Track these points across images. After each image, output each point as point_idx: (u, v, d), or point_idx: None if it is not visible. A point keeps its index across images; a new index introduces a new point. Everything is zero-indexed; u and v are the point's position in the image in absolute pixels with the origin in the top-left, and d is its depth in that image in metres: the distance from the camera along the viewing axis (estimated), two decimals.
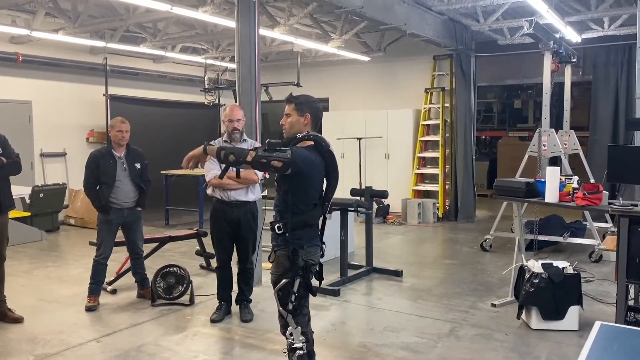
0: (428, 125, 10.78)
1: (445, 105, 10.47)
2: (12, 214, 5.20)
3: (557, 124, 8.21)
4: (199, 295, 5.43)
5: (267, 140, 2.82)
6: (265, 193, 5.68)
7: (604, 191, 4.48)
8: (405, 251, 8.01)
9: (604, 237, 7.36)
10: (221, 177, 3.17)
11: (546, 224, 7.33)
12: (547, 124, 7.27)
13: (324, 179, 3.04)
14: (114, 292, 5.62)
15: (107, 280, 5.49)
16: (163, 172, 9.47)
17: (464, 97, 9.93)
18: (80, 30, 8.39)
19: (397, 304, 5.31)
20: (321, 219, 3.09)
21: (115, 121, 5.17)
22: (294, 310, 2.93)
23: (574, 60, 8.07)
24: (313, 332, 3.12)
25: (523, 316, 4.67)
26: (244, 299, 4.93)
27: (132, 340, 4.39)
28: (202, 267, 6.62)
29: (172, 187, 9.68)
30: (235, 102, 6.00)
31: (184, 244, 7.28)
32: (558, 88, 8.11)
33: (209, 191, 4.77)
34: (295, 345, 2.92)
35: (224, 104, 10.93)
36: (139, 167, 5.23)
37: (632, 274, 4.05)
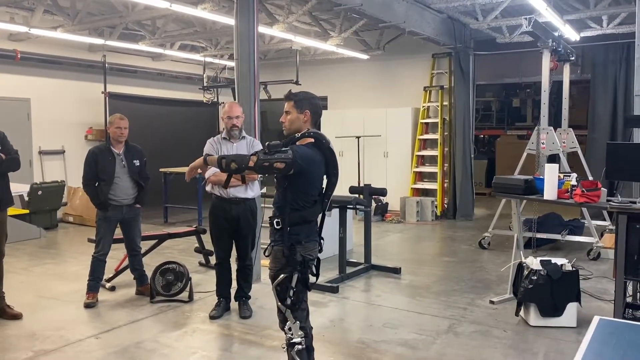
0: (427, 123, 10.78)
1: (444, 103, 10.48)
2: (10, 211, 5.20)
3: (555, 123, 8.21)
4: (198, 292, 5.44)
5: (266, 143, 2.82)
6: (264, 191, 5.69)
7: (602, 188, 4.49)
8: (403, 249, 8.02)
9: (602, 235, 7.38)
10: (225, 186, 3.18)
11: (544, 222, 7.35)
12: (545, 122, 7.29)
13: (324, 176, 3.04)
14: (112, 289, 5.62)
15: (105, 277, 5.49)
16: (162, 169, 9.46)
17: (462, 96, 9.94)
18: (78, 28, 8.38)
19: (395, 301, 5.32)
20: (320, 215, 3.09)
21: (114, 118, 5.17)
22: (293, 305, 2.93)
23: (573, 58, 8.07)
24: (312, 327, 3.13)
25: (521, 313, 4.68)
26: (243, 296, 4.93)
27: (131, 337, 4.39)
28: (201, 264, 6.62)
29: (171, 185, 9.68)
30: (234, 99, 6.01)
31: (183, 241, 7.29)
32: (556, 86, 8.11)
33: (208, 188, 4.77)
34: (294, 340, 2.92)
35: (223, 102, 10.90)
36: (138, 164, 5.22)
37: (630, 271, 4.07)
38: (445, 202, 10.36)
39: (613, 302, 4.28)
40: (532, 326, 4.52)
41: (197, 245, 6.68)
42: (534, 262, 4.65)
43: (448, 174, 10.35)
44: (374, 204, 9.39)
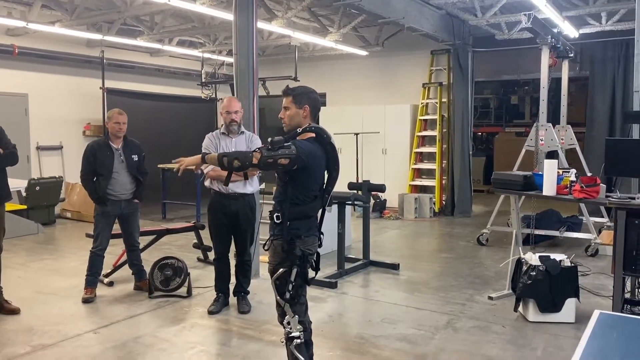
0: (425, 120, 10.78)
1: (443, 100, 10.48)
2: (8, 206, 5.18)
3: (554, 119, 8.22)
4: (197, 287, 5.43)
5: (269, 139, 2.76)
6: (262, 186, 5.67)
7: (601, 184, 4.49)
8: (402, 245, 8.02)
9: (600, 232, 7.38)
10: (226, 184, 3.15)
11: (543, 219, 7.35)
12: (544, 119, 7.29)
13: (325, 171, 3.03)
14: (110, 284, 5.61)
15: (103, 272, 5.48)
16: (160, 165, 9.44)
17: (461, 92, 9.94)
18: (77, 23, 8.35)
19: (394, 297, 5.32)
20: (320, 210, 3.08)
21: (113, 112, 5.16)
22: (292, 299, 2.92)
23: (572, 55, 8.08)
24: (311, 322, 3.13)
25: (520, 309, 4.69)
26: (242, 291, 4.93)
27: (129, 332, 4.38)
28: (199, 259, 6.62)
29: (169, 181, 9.66)
30: (233, 95, 5.99)
31: (181, 237, 7.28)
32: (555, 83, 8.12)
33: (206, 183, 4.76)
34: (292, 334, 2.91)
35: (221, 98, 10.89)
36: (136, 158, 5.21)
37: (629, 267, 4.07)
38: (444, 198, 10.37)
39: (611, 298, 4.28)
40: (530, 322, 4.52)
41: (195, 241, 6.67)
42: (532, 258, 4.66)
43: (446, 170, 10.35)
44: (372, 201, 9.41)
